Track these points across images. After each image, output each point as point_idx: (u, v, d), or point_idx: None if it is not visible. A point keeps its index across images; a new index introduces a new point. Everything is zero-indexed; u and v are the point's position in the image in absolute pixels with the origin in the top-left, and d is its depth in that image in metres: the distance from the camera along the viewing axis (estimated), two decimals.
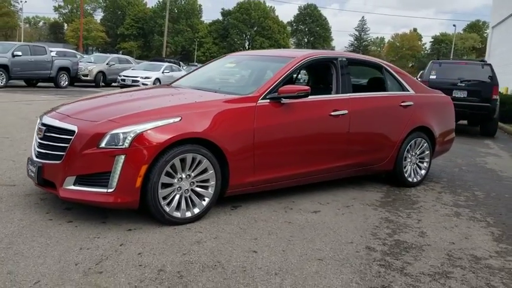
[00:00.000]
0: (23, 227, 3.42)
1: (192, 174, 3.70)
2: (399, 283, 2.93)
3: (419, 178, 5.55)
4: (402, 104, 5.24)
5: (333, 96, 4.73)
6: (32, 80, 18.23)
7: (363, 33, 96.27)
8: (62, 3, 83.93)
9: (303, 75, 7.60)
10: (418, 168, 5.55)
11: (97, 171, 3.42)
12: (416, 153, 5.48)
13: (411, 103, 5.32)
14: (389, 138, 5.14)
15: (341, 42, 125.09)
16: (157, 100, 4.19)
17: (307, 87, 4.23)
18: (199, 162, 3.70)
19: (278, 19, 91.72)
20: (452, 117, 6.10)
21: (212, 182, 3.80)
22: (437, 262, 3.31)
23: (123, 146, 3.39)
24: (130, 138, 3.39)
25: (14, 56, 16.32)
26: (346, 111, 4.64)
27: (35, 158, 3.76)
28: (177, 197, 3.65)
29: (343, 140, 4.69)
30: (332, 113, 4.55)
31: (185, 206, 3.69)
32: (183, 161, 3.61)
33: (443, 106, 5.91)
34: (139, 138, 3.42)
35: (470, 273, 3.17)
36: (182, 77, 5.46)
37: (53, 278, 2.69)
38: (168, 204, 3.60)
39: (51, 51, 18.99)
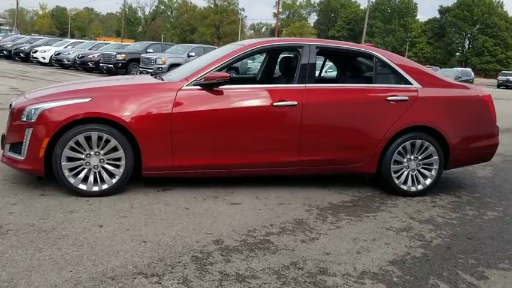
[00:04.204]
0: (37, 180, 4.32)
1: (101, 152, 4.03)
2: (184, 270, 2.76)
3: (420, 187, 4.68)
4: (389, 98, 4.52)
5: (282, 86, 4.45)
6: None
7: None
8: (281, 10, 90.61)
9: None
10: (420, 176, 4.69)
11: (18, 140, 4.03)
12: (417, 158, 4.65)
13: (405, 98, 4.54)
14: (367, 136, 4.50)
15: None
16: (96, 83, 4.60)
17: (226, 75, 4.15)
18: (107, 141, 4.00)
19: (507, 15, 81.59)
20: (489, 120, 4.87)
21: (123, 161, 4.06)
22: (260, 266, 2.94)
23: (32, 120, 3.93)
24: (37, 114, 3.92)
25: (188, 56, 18.78)
26: (295, 102, 4.29)
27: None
28: (85, 171, 4.03)
29: (293, 134, 4.34)
30: (275, 104, 4.27)
31: (93, 181, 4.05)
32: (88, 138, 3.97)
33: (469, 105, 4.82)
34: (44, 114, 3.91)
35: (266, 276, 2.75)
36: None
37: None
38: (74, 176, 4.01)
39: None
